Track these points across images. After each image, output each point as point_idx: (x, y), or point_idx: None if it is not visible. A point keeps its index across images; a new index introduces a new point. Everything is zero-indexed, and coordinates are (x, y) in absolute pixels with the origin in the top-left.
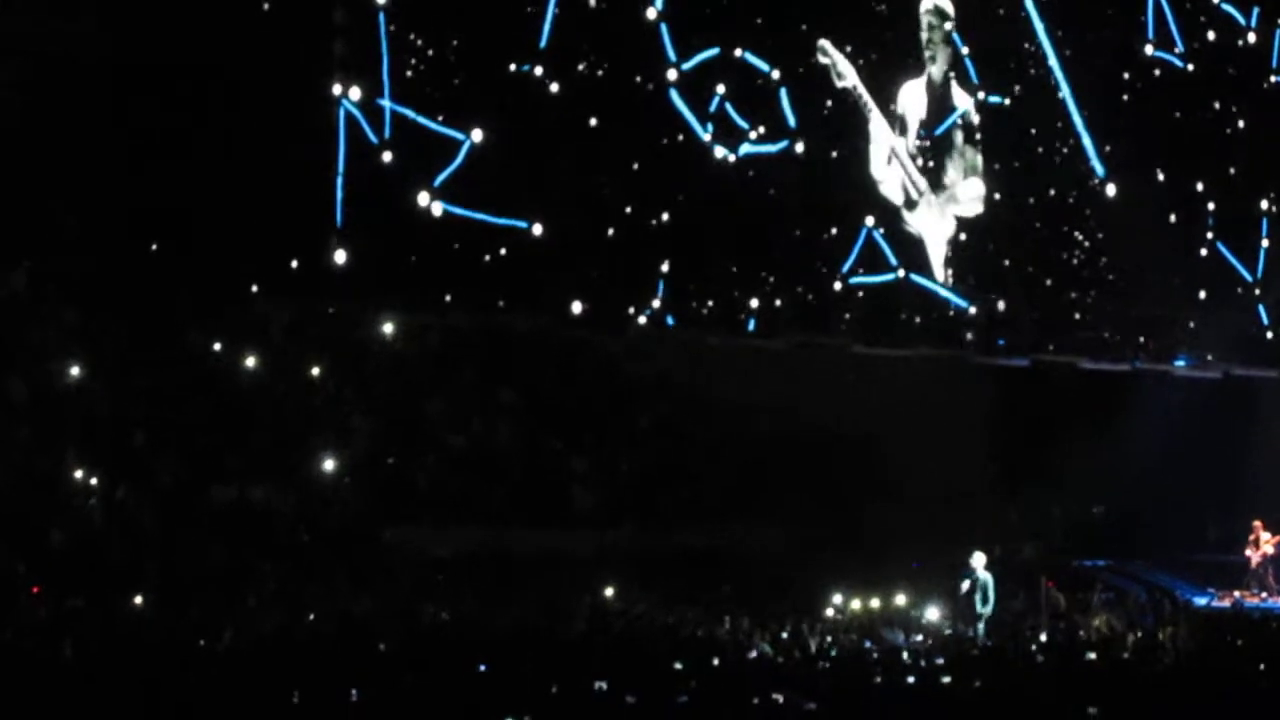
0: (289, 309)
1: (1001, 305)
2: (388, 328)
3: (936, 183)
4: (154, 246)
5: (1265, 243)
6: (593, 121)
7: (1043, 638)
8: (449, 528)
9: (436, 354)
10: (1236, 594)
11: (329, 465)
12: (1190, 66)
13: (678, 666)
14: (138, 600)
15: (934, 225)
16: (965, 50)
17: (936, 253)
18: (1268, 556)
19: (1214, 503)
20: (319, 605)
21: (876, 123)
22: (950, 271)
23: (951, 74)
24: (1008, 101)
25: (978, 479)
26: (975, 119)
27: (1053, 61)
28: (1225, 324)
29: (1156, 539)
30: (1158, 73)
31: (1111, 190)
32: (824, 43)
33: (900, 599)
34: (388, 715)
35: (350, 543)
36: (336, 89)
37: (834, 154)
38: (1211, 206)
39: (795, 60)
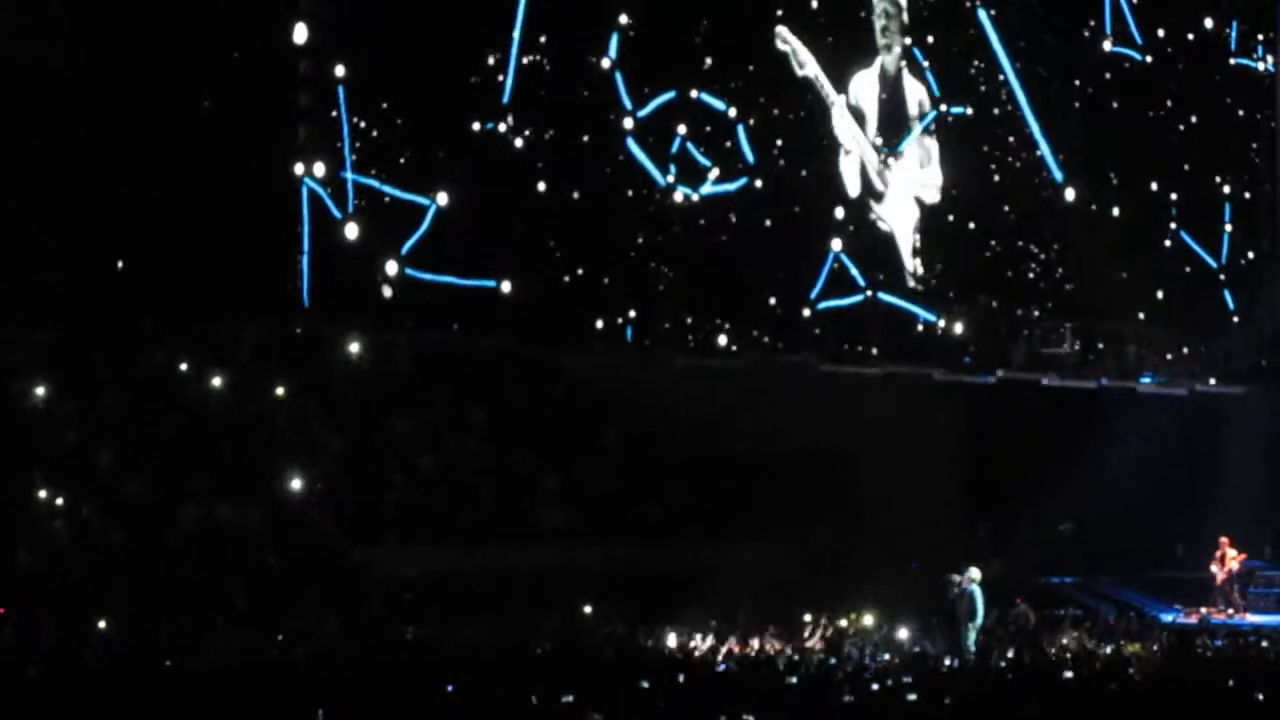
0: (256, 328)
1: (960, 323)
2: (354, 347)
3: (898, 171)
4: (120, 265)
5: (1228, 227)
6: (556, 173)
7: (1010, 654)
8: (417, 547)
9: (404, 373)
10: (1203, 610)
11: (297, 485)
12: (1149, 59)
13: (644, 685)
14: (105, 620)
15: (900, 215)
16: (925, 64)
17: (905, 242)
18: (1233, 573)
19: (1181, 520)
20: (287, 625)
21: (838, 113)
22: (918, 266)
23: (904, 63)
24: (970, 111)
25: (945, 496)
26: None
27: (1007, 69)
28: (1191, 331)
29: (1124, 556)
30: (1108, 75)
31: (1070, 194)
32: (782, 30)
33: (868, 617)
34: None
35: (319, 562)
36: (299, 168)
37: (801, 173)
38: (1174, 196)
39: (752, 94)
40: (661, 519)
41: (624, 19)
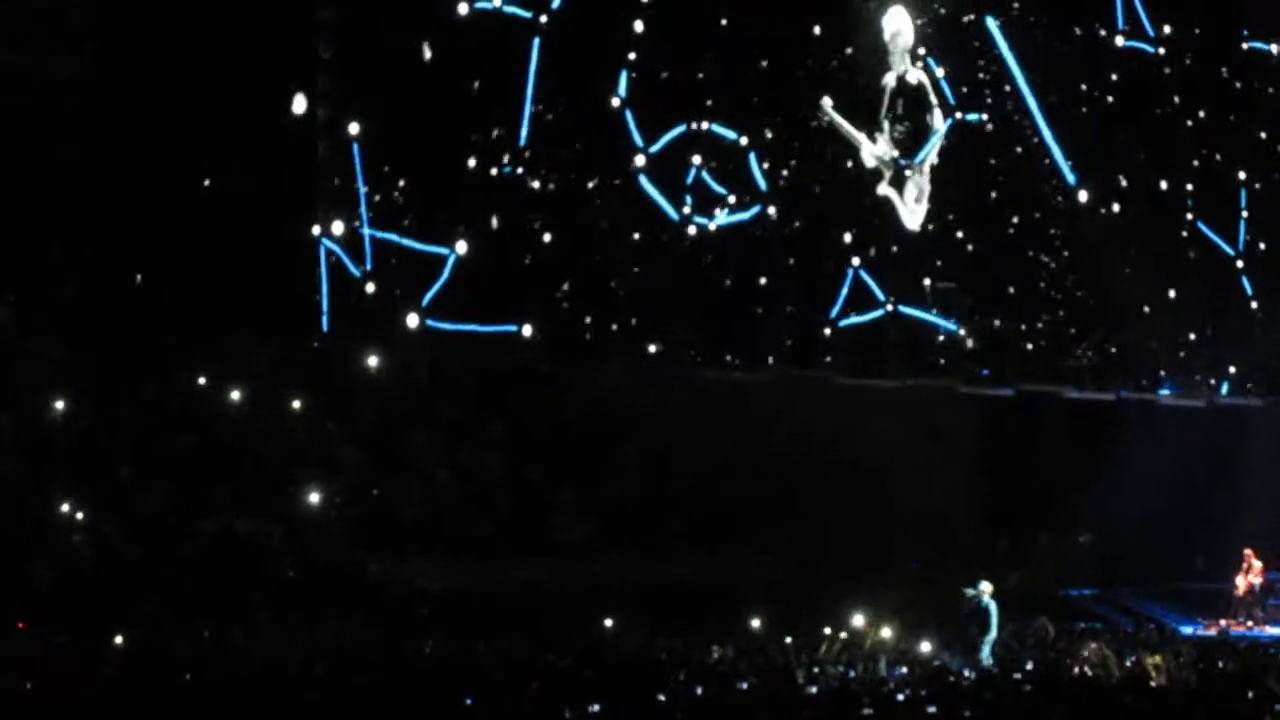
0: (274, 342)
1: (976, 335)
2: (373, 361)
3: (914, 185)
4: (139, 279)
5: (1244, 213)
6: (572, 213)
7: (1029, 667)
8: (435, 560)
9: (422, 386)
10: (1223, 623)
11: (315, 498)
12: (1161, 50)
13: (662, 698)
14: (123, 634)
15: (917, 227)
16: (940, 72)
17: (922, 255)
18: (1255, 586)
19: (1200, 532)
20: (306, 639)
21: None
22: (935, 278)
23: (920, 75)
24: (985, 117)
25: (965, 509)
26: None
27: (1016, 74)
28: (1209, 324)
29: (1143, 568)
30: (1119, 74)
31: (1084, 196)
32: (825, 101)
33: (886, 630)
34: None
35: (337, 576)
36: (315, 229)
37: (815, 190)
38: (1190, 187)
39: (762, 121)
40: (680, 532)
41: (632, 56)
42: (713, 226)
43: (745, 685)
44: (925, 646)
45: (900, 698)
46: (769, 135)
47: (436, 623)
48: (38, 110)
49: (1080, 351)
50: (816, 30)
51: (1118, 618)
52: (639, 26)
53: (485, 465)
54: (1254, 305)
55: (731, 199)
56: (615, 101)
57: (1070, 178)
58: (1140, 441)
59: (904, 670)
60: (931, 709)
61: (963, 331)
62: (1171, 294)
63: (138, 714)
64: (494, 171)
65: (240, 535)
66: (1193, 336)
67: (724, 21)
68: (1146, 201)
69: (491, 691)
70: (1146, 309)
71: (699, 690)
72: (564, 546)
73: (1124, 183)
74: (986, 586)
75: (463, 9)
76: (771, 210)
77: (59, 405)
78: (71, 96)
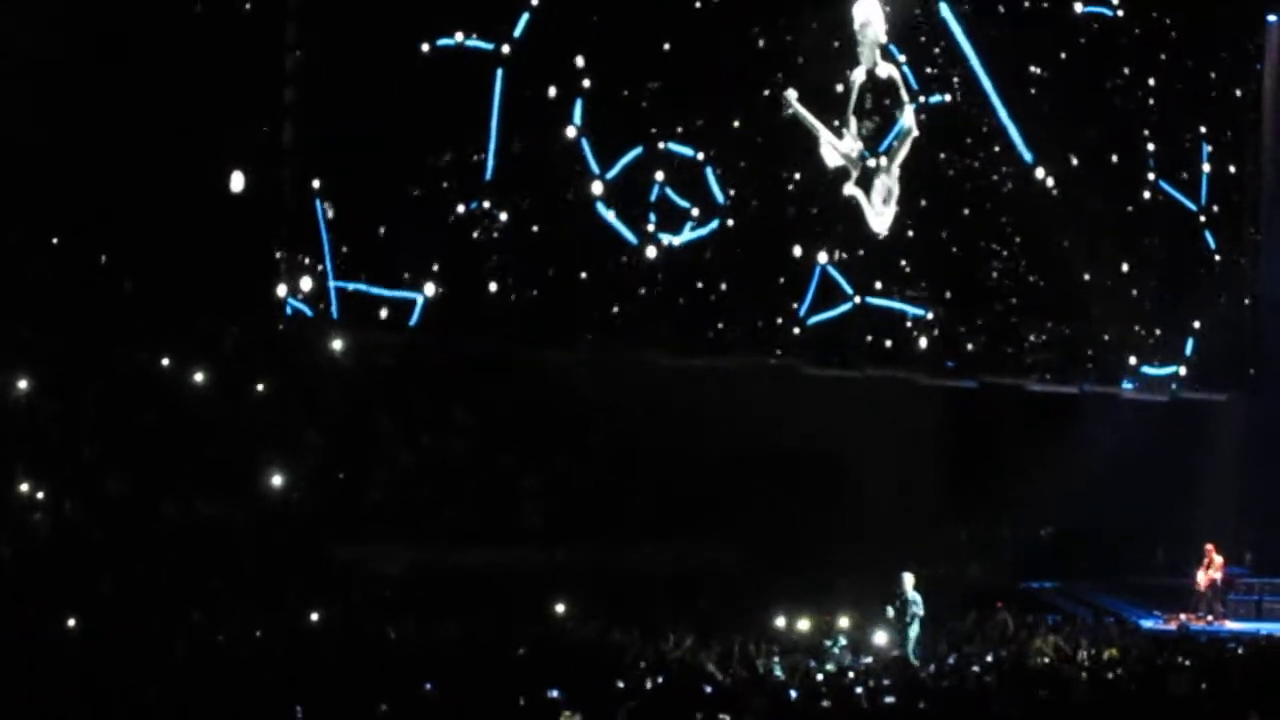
0: (239, 324)
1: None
2: (337, 344)
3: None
4: (103, 259)
5: (1206, 168)
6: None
7: (988, 659)
8: (399, 544)
9: (387, 370)
10: (1183, 617)
11: (279, 481)
12: (1120, 13)
13: (620, 685)
14: (83, 616)
15: (883, 220)
16: (902, 58)
17: (889, 246)
18: (1215, 581)
19: (1162, 526)
20: (268, 621)
21: (824, 135)
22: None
23: (879, 63)
24: (947, 98)
25: (926, 500)
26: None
27: (969, 53)
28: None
29: (1104, 561)
30: (1074, 42)
31: (1040, 174)
32: (789, 94)
33: (845, 620)
34: None
35: (300, 558)
36: (281, 290)
37: (786, 192)
38: (1151, 148)
39: (719, 133)
40: (643, 519)
41: (586, 83)
42: (676, 242)
43: (705, 673)
44: (881, 636)
45: (859, 690)
46: (725, 147)
47: (397, 606)
48: (7, 87)
49: (1039, 339)
50: (778, 25)
51: (1077, 610)
52: (588, 54)
53: (448, 450)
54: (1217, 259)
55: (695, 211)
56: (571, 131)
57: (1027, 156)
58: (1102, 435)
59: (864, 661)
60: (889, 700)
61: (930, 317)
62: (1135, 268)
63: (97, 694)
64: (461, 209)
65: (202, 517)
66: (1153, 308)
67: (669, 41)
68: (1106, 167)
69: (450, 676)
70: (1110, 284)
71: (658, 679)
72: (525, 532)
73: (1079, 157)
74: (909, 578)
75: (424, 48)
76: (731, 222)
77: (21, 384)
78: (39, 77)
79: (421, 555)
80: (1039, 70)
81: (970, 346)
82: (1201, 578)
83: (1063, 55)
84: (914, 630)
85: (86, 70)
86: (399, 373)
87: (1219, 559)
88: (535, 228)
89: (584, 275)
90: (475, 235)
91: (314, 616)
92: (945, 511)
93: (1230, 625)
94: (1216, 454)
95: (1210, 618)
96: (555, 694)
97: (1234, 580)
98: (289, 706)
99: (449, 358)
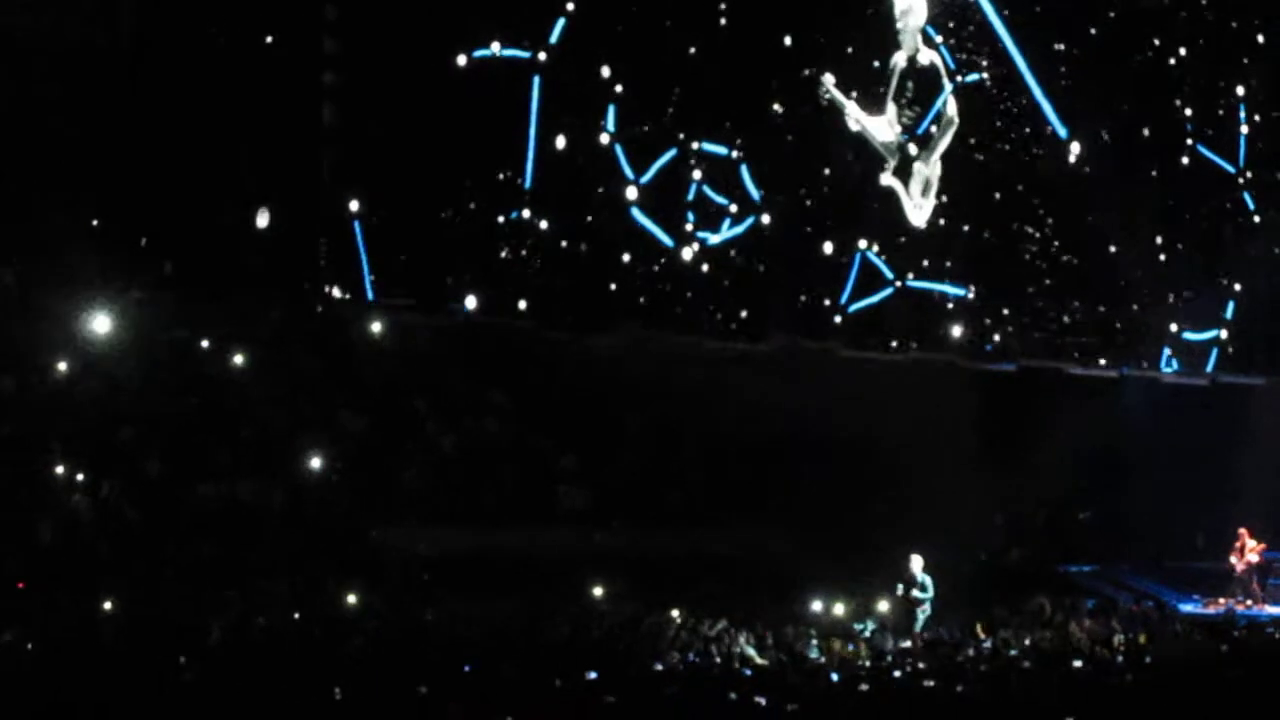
0: (280, 305)
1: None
2: (376, 326)
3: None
4: (142, 242)
5: (1244, 129)
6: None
7: (1027, 642)
8: (436, 527)
9: (425, 353)
10: (1223, 601)
11: (316, 463)
12: None
13: (659, 668)
14: (123, 597)
15: (924, 202)
16: (939, 39)
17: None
18: (1252, 564)
19: (1201, 509)
20: (305, 603)
21: (858, 121)
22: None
23: (920, 46)
24: (985, 78)
25: (964, 484)
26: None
27: (1000, 29)
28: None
29: (1143, 545)
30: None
31: (1075, 149)
32: (827, 79)
33: (884, 604)
34: (371, 715)
35: (337, 541)
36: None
37: (823, 191)
38: (1189, 113)
39: (756, 130)
40: (682, 503)
41: (619, 89)
42: (714, 240)
43: (742, 657)
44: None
45: (897, 673)
46: (759, 143)
47: (435, 589)
48: (49, 73)
49: (1077, 318)
50: (814, 16)
51: (1116, 594)
52: (619, 58)
53: (486, 433)
54: (1256, 219)
55: (733, 208)
56: (604, 137)
57: (1062, 131)
58: (1141, 418)
59: (905, 644)
60: (929, 683)
61: (969, 299)
62: (1173, 235)
63: (136, 676)
64: (501, 219)
65: (241, 499)
66: (1192, 272)
67: (698, 42)
68: (1141, 136)
69: (489, 659)
70: (1149, 253)
71: (697, 661)
72: (565, 515)
73: (1114, 127)
74: (918, 560)
75: (461, 60)
76: (767, 219)
77: (61, 366)
78: (84, 61)
79: (460, 538)
80: (1069, 45)
81: (1009, 329)
82: (1236, 562)
83: (1092, 30)
84: (924, 612)
85: (133, 65)
86: (438, 356)
87: (1253, 543)
88: (573, 238)
89: (623, 272)
90: (516, 247)
91: (352, 599)
92: (984, 495)
93: (1270, 609)
94: (1256, 437)
95: (1249, 601)
96: (593, 676)
97: (1273, 564)
98: (327, 689)
99: (489, 340)
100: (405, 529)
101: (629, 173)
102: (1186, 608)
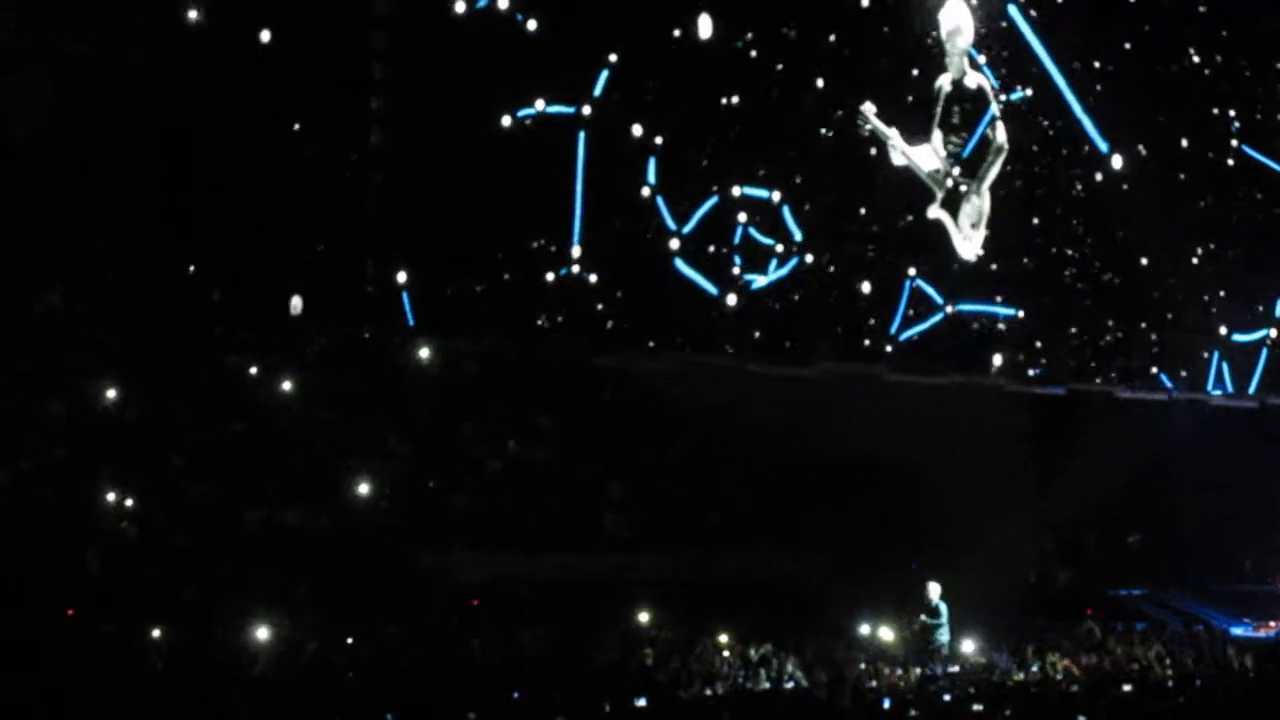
0: (326, 332)
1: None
2: (424, 352)
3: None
4: (191, 269)
5: None
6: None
7: (1076, 669)
8: (483, 553)
9: (472, 379)
10: (1274, 624)
11: (364, 489)
12: None
13: (708, 693)
14: (171, 624)
15: (971, 226)
16: (982, 58)
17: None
18: None
19: (1250, 532)
20: (353, 630)
21: (902, 152)
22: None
23: (976, 85)
24: (1025, 96)
25: (1013, 507)
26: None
27: (1035, 45)
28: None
29: (1192, 569)
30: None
31: (1118, 162)
32: (867, 109)
33: (902, 631)
34: None
35: (385, 567)
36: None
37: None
38: (1232, 113)
39: (794, 170)
40: (726, 527)
41: (659, 140)
42: (761, 282)
43: (791, 683)
44: (969, 645)
45: (947, 698)
46: (802, 183)
47: (483, 616)
48: (93, 97)
49: (1121, 337)
50: (854, 41)
51: (1167, 618)
52: (658, 110)
53: (532, 458)
54: None
55: (779, 248)
56: (646, 191)
57: (1103, 146)
58: (1190, 440)
59: (954, 669)
60: (977, 708)
61: (1018, 322)
62: (1221, 239)
63: (184, 703)
64: (550, 277)
65: (288, 525)
66: (1240, 274)
67: (736, 91)
68: (1182, 146)
69: (535, 686)
70: (1196, 262)
71: (747, 686)
72: (610, 540)
73: (1154, 134)
74: (935, 588)
75: (505, 120)
76: (810, 257)
77: (109, 393)
78: (129, 85)
79: (506, 563)
80: (1105, 59)
81: (1057, 351)
82: None
83: (1127, 45)
84: (941, 637)
85: (174, 75)
86: (483, 381)
87: None
88: (621, 288)
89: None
90: (568, 304)
91: (399, 625)
92: (1032, 519)
93: None
94: None
95: None
96: (642, 702)
97: None
98: (375, 716)
99: (534, 365)
100: (452, 555)
101: (671, 223)
102: (1237, 631)
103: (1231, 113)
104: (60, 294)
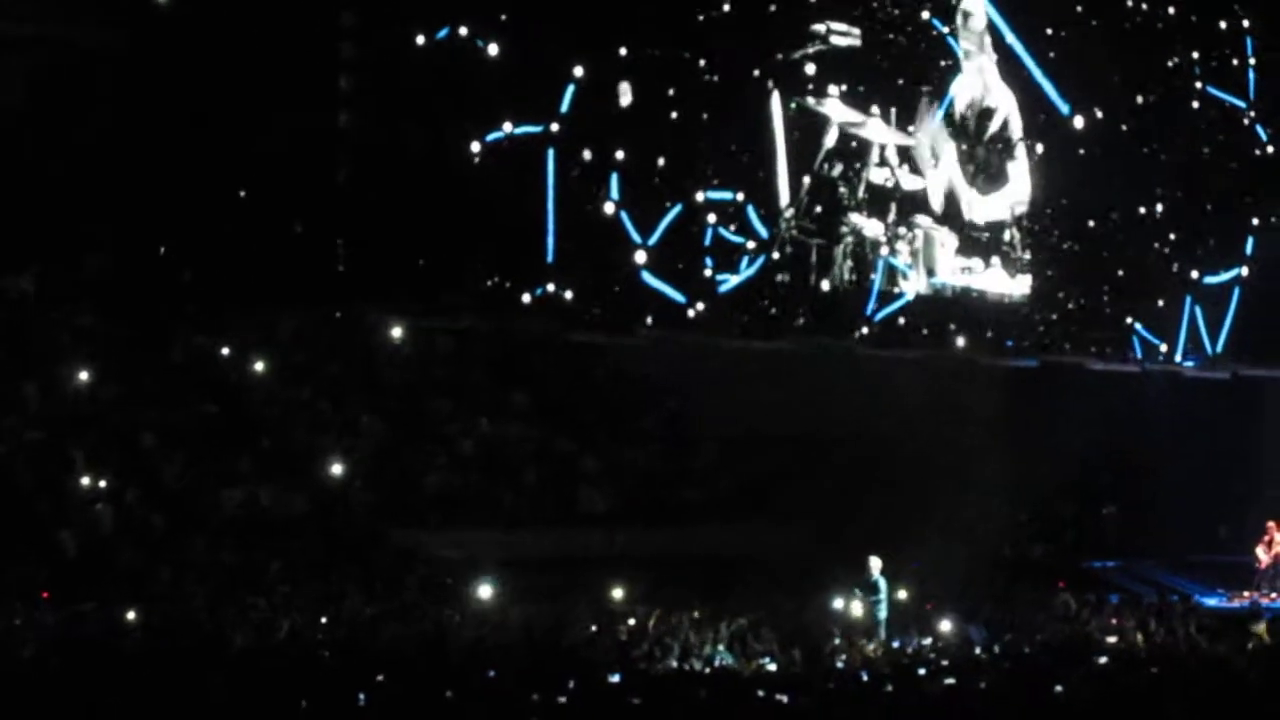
0: (298, 312)
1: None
2: (396, 331)
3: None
4: (162, 250)
5: (1251, 61)
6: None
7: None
8: (458, 530)
9: (445, 356)
10: (1248, 594)
11: (338, 468)
12: None
13: (683, 668)
14: (146, 605)
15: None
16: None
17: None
18: (1278, 557)
19: (1224, 504)
20: (328, 609)
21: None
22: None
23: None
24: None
25: (987, 480)
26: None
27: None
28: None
29: (1167, 540)
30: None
31: (1080, 122)
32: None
33: (905, 599)
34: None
35: (359, 546)
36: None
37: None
38: (1195, 55)
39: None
40: (702, 502)
41: (620, 155)
42: (734, 281)
43: (768, 657)
44: (945, 619)
45: (921, 671)
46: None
47: (458, 593)
48: (68, 80)
49: (1093, 304)
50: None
51: (1141, 589)
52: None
53: (507, 435)
54: (1270, 149)
55: (750, 245)
56: (610, 207)
57: (1064, 108)
58: (1163, 412)
59: (926, 642)
60: (950, 680)
61: (988, 295)
62: (1189, 186)
63: (160, 684)
64: (526, 298)
65: (263, 505)
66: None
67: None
68: (1147, 91)
69: (510, 662)
70: (1164, 212)
71: (719, 662)
72: (586, 517)
73: (1118, 87)
74: (876, 563)
75: (475, 146)
76: (775, 256)
77: (83, 374)
78: (103, 68)
79: (482, 540)
80: (1061, 25)
81: (1035, 322)
82: (1263, 555)
83: (1079, 8)
84: (881, 613)
85: (148, 59)
86: (458, 359)
87: None
88: (594, 302)
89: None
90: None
91: (374, 603)
92: (1007, 491)
93: None
94: (1276, 430)
95: (1275, 595)
96: (616, 679)
97: None
98: (351, 694)
99: (509, 343)
100: (427, 532)
101: (636, 236)
102: (1211, 602)
103: (1195, 55)
104: (33, 277)
